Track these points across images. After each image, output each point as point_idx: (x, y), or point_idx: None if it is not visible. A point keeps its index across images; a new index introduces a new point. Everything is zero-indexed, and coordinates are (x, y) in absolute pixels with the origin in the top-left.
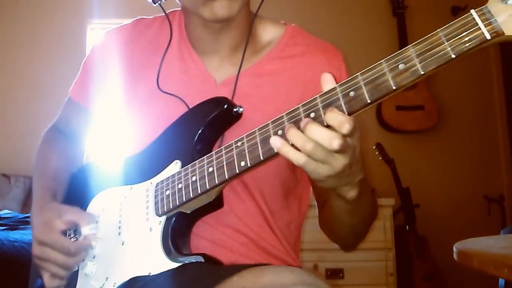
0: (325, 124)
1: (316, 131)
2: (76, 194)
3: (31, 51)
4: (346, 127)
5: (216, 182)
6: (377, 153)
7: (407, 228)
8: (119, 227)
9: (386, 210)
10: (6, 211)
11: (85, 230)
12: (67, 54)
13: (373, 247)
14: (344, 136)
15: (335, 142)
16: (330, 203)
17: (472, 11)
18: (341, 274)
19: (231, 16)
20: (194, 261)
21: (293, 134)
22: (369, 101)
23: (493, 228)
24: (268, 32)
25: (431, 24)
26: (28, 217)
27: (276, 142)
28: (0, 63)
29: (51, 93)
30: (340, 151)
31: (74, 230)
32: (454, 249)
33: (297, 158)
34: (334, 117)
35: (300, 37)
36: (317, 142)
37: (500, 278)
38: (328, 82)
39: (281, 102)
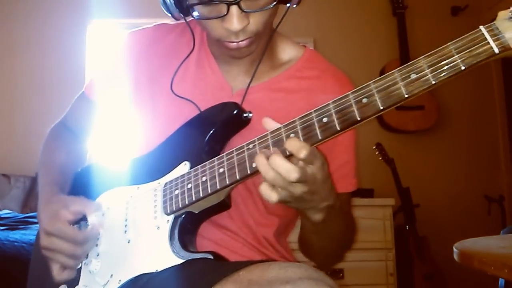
0: (338, 128)
1: (277, 163)
2: (81, 193)
3: (31, 50)
4: (303, 153)
5: (227, 182)
6: (377, 153)
7: (407, 228)
8: (125, 225)
9: (386, 210)
10: (6, 211)
11: (91, 218)
12: (67, 54)
13: (373, 247)
14: (303, 165)
15: (293, 175)
16: (301, 221)
17: (481, 27)
18: (341, 274)
19: (254, 51)
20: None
21: (259, 162)
22: (381, 107)
23: (493, 228)
24: (287, 52)
25: (431, 24)
26: (28, 217)
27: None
28: (0, 62)
29: (51, 93)
30: (299, 181)
31: (82, 221)
32: (454, 249)
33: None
34: (293, 143)
35: (317, 61)
36: (278, 172)
37: (500, 278)
38: (269, 125)
39: (290, 119)
